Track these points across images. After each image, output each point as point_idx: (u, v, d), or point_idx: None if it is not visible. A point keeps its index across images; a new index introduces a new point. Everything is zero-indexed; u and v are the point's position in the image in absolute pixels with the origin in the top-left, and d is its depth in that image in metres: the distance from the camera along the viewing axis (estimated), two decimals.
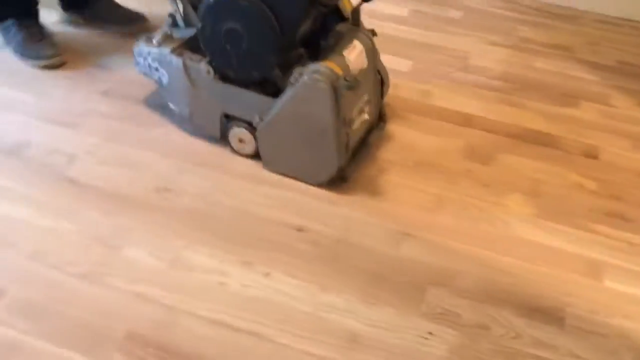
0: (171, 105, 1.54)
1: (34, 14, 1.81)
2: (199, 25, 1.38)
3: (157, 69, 1.49)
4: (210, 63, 1.41)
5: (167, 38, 1.49)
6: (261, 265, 1.24)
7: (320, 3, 1.36)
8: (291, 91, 1.34)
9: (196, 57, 1.44)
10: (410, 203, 1.42)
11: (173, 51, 1.45)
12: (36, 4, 1.81)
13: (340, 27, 1.46)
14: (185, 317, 1.13)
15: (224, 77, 1.42)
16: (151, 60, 1.49)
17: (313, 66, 1.32)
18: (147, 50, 1.49)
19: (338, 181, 1.43)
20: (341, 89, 1.31)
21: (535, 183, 1.50)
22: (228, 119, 1.46)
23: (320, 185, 1.42)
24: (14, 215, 1.30)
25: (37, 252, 1.22)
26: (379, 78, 1.54)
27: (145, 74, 1.54)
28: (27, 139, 1.49)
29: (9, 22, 1.78)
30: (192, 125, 1.53)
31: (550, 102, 1.79)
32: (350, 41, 1.43)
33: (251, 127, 1.43)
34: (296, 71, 1.33)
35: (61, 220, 1.30)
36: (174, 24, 1.52)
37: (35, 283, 1.17)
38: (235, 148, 1.49)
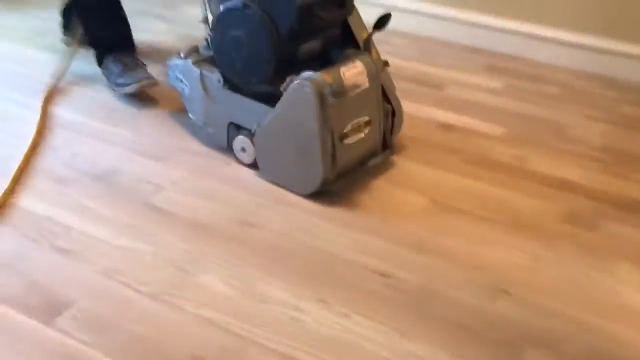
0: (190, 115, 1.65)
1: (129, 46, 1.92)
2: (210, 34, 1.51)
3: (181, 80, 1.63)
4: (220, 72, 1.52)
5: (192, 52, 1.62)
6: (339, 306, 1.14)
7: (319, 17, 1.42)
8: (283, 96, 1.40)
9: (212, 68, 1.56)
10: (507, 260, 1.30)
11: (194, 63, 1.58)
12: (127, 37, 1.92)
13: (349, 51, 1.52)
14: (254, 347, 1.04)
15: (232, 87, 1.52)
16: (178, 73, 1.64)
17: (305, 74, 1.38)
18: (175, 63, 1.64)
19: (323, 194, 1.42)
20: (327, 95, 1.35)
21: None
22: (234, 129, 1.54)
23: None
24: (93, 233, 1.28)
25: (110, 269, 1.19)
26: (389, 108, 1.58)
27: (173, 86, 1.68)
28: (118, 167, 1.50)
29: (108, 59, 1.86)
30: (204, 134, 1.62)
31: None
32: (352, 61, 1.47)
33: (251, 135, 1.50)
34: (289, 78, 1.39)
35: (138, 242, 1.26)
36: (209, 47, 1.62)
37: (105, 298, 1.12)
38: (238, 157, 1.56)
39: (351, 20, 1.56)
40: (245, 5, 1.41)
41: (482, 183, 1.57)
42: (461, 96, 2.06)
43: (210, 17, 1.57)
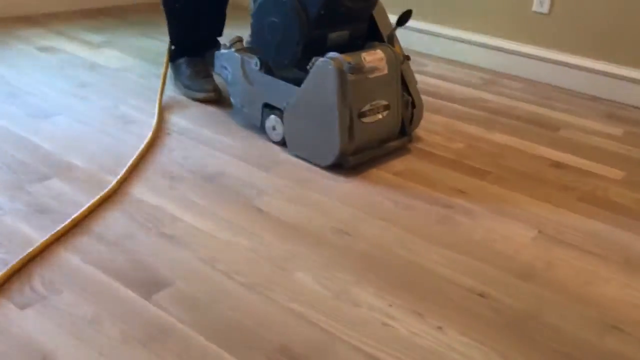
0: (232, 99, 1.82)
1: (202, 53, 2.06)
2: (252, 21, 1.66)
3: (225, 68, 1.80)
4: (258, 57, 1.68)
5: (236, 42, 1.79)
6: (433, 319, 1.10)
7: (345, 6, 1.57)
8: (308, 75, 1.56)
9: (251, 55, 1.72)
10: (619, 297, 1.21)
11: (237, 50, 1.76)
12: (205, 44, 2.08)
13: (374, 43, 1.67)
14: (342, 345, 1.02)
15: (268, 71, 1.68)
16: (223, 61, 1.81)
17: (328, 54, 1.54)
18: (221, 53, 1.81)
19: (340, 166, 1.57)
20: (346, 71, 1.50)
21: None
22: (267, 109, 1.70)
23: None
24: (198, 225, 1.32)
25: (210, 258, 1.21)
26: (409, 99, 1.73)
27: (219, 74, 1.85)
28: (225, 171, 1.56)
29: (181, 60, 2.04)
30: (242, 115, 1.79)
31: None
32: (374, 48, 1.63)
33: (281, 113, 1.66)
34: (313, 59, 1.55)
35: (239, 237, 1.29)
36: (240, 40, 1.80)
37: (202, 282, 1.14)
38: (269, 136, 1.72)
39: (377, 17, 1.71)
40: None
41: (595, 221, 1.48)
42: (578, 139, 1.97)
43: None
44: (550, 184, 1.65)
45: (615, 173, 1.75)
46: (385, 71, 1.61)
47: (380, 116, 1.61)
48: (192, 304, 1.08)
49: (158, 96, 1.93)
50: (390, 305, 1.12)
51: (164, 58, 2.08)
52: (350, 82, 1.52)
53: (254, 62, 1.70)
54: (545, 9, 2.44)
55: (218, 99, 1.97)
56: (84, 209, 1.32)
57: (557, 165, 1.77)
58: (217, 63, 1.84)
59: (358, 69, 1.53)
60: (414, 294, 1.16)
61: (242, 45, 1.79)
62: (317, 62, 1.54)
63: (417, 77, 1.87)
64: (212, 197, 1.44)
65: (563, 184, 1.65)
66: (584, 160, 1.82)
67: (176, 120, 1.84)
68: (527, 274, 1.25)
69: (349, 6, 1.59)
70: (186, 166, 1.57)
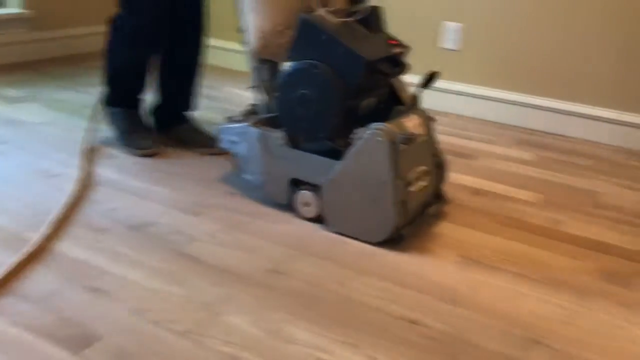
0: (247, 176, 1.68)
1: (139, 105, 2.03)
2: (276, 95, 1.56)
3: (236, 143, 1.68)
4: (283, 131, 1.57)
5: (249, 115, 1.69)
6: (367, 349, 1.12)
7: (380, 72, 1.51)
8: (353, 148, 1.47)
9: (270, 128, 1.61)
10: (540, 312, 1.27)
11: (251, 125, 1.64)
12: (141, 96, 2.02)
13: (399, 107, 1.62)
14: None
15: (294, 145, 1.57)
16: (232, 135, 1.68)
17: (373, 125, 1.45)
18: (229, 127, 1.69)
19: (394, 241, 1.46)
20: (398, 142, 1.43)
21: None
22: (295, 185, 1.59)
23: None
24: (126, 275, 1.30)
25: (140, 308, 1.20)
26: (438, 161, 1.65)
27: (227, 149, 1.72)
28: (154, 220, 1.55)
29: (117, 109, 2.01)
30: (263, 193, 1.65)
31: None
32: (408, 115, 1.57)
33: (316, 189, 1.54)
34: (357, 130, 1.46)
35: (169, 285, 1.28)
36: (254, 112, 1.69)
37: (133, 333, 1.12)
38: (300, 212, 1.60)
39: (394, 81, 1.65)
40: (312, 65, 1.50)
41: (516, 242, 1.56)
42: (493, 165, 2.08)
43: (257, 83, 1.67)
44: (472, 210, 1.73)
45: (530, 195, 1.85)
46: (425, 137, 1.58)
47: (424, 183, 1.55)
48: (122, 357, 1.07)
49: (81, 147, 1.91)
50: (325, 340, 1.14)
51: (89, 110, 2.06)
52: (401, 153, 1.45)
53: (277, 136, 1.58)
54: (455, 45, 2.58)
55: (156, 154, 1.95)
56: (5, 268, 1.28)
57: (477, 192, 1.85)
58: (225, 137, 1.70)
59: (410, 139, 1.46)
60: (348, 327, 1.18)
61: (256, 118, 1.66)
62: (365, 135, 1.44)
63: None
64: (140, 247, 1.42)
65: (484, 210, 1.73)
66: (501, 185, 1.91)
67: (103, 171, 1.81)
68: (453, 299, 1.30)
69: (386, 73, 1.54)
70: (112, 217, 1.55)
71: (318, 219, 1.56)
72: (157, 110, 2.11)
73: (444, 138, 2.31)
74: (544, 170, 2.07)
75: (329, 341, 1.14)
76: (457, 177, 1.94)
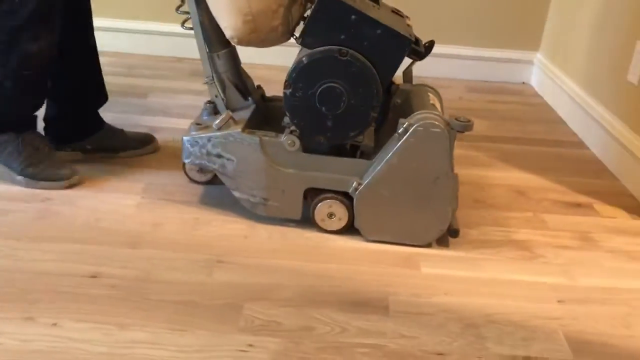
0: (236, 194, 1.37)
1: (34, 123, 1.50)
2: (287, 92, 1.27)
3: (219, 156, 1.35)
4: (294, 134, 1.31)
5: (229, 121, 1.35)
6: (45, 318, 1.06)
7: (417, 53, 1.32)
8: (399, 143, 1.25)
9: (270, 133, 1.34)
10: (223, 233, 1.34)
11: (246, 131, 1.33)
12: (36, 110, 1.49)
13: (404, 85, 1.43)
14: None
15: (308, 149, 1.32)
16: (211, 147, 1.35)
17: (419, 115, 1.26)
18: (207, 137, 1.34)
19: (448, 236, 1.34)
20: (455, 131, 1.25)
21: None
22: (313, 194, 1.35)
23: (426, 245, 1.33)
24: None
25: None
26: None
27: (201, 164, 1.39)
28: None
29: (5, 137, 1.44)
30: (265, 212, 1.37)
31: None
32: (427, 95, 1.40)
33: (345, 197, 1.32)
34: (401, 123, 1.25)
35: None
36: (215, 111, 1.41)
37: None
38: (321, 225, 1.36)
39: None
40: (341, 52, 1.23)
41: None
42: (166, 101, 2.07)
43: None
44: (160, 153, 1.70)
45: None
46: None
47: (456, 174, 1.39)
48: None
49: None
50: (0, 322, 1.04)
51: None
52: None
53: (286, 141, 1.30)
54: None
55: (81, 181, 1.49)
56: None
57: (152, 130, 1.82)
58: (197, 151, 1.35)
59: (467, 125, 1.24)
60: (22, 300, 1.10)
61: (239, 123, 1.35)
62: (416, 127, 1.23)
63: None
64: None
65: (166, 149, 1.72)
66: (176, 119, 1.91)
67: None
68: (135, 242, 1.29)
69: (421, 55, 1.33)
70: None
71: (346, 231, 1.35)
72: (58, 122, 1.59)
73: (114, 79, 2.21)
74: None
75: (4, 322, 1.04)
76: (128, 118, 1.88)
